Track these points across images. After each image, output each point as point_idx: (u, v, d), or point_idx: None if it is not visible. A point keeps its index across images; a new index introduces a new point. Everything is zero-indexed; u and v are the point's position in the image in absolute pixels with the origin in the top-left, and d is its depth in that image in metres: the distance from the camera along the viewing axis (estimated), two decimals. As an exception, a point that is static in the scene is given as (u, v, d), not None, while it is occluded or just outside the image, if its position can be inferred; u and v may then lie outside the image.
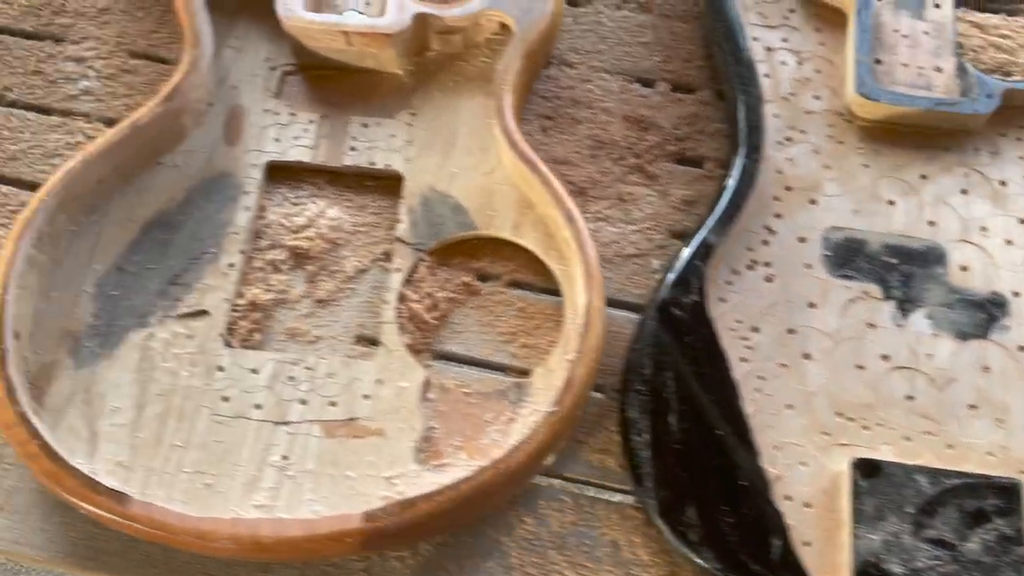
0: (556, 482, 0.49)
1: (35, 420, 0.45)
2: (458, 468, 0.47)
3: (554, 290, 0.53)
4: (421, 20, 0.55)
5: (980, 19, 0.58)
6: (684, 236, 0.55)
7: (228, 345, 0.50)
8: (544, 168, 0.51)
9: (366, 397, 0.49)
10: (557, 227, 0.51)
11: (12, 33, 0.61)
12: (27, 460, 0.45)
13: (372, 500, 0.46)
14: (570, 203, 0.50)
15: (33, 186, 0.56)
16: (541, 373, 0.49)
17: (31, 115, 0.58)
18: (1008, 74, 0.56)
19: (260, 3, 0.60)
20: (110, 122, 0.58)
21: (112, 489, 0.44)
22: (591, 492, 0.48)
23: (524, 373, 0.50)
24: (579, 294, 0.48)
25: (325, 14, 0.56)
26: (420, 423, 0.48)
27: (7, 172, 0.56)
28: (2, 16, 0.61)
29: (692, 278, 0.49)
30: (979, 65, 0.55)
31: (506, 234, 0.53)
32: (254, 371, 0.49)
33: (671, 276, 0.50)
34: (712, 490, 0.45)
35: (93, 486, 0.44)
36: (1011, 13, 0.58)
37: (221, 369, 0.49)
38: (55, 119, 0.58)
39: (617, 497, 0.48)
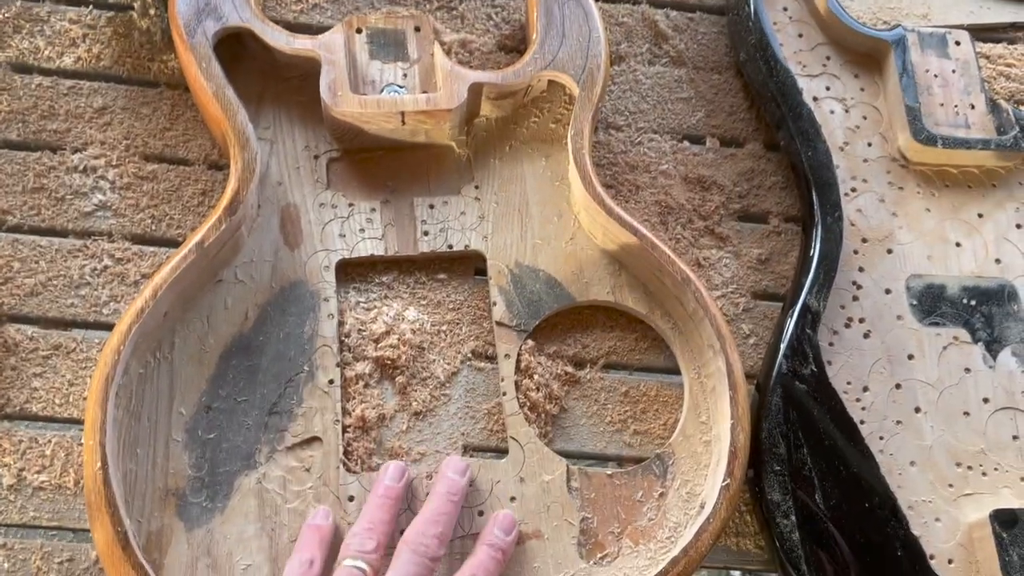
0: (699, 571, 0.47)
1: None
2: (626, 557, 0.46)
3: (652, 368, 0.52)
4: (477, 88, 0.53)
5: (985, 49, 0.61)
6: (766, 296, 0.55)
7: (350, 471, 0.46)
8: (647, 232, 0.50)
9: (512, 499, 0.47)
10: (665, 288, 0.51)
11: (-5, 145, 0.51)
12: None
13: (550, 608, 0.44)
14: (682, 264, 0.50)
15: (62, 324, 0.48)
16: (680, 441, 0.49)
17: (43, 241, 0.50)
18: (1020, 103, 0.60)
19: (284, 87, 0.55)
20: (139, 239, 0.51)
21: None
22: (732, 580, 0.49)
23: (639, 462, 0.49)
24: (717, 358, 0.48)
25: (378, 96, 0.52)
26: (575, 516, 0.47)
27: (29, 311, 0.48)
28: (-22, 125, 0.51)
29: (806, 347, 0.49)
30: (994, 95, 0.58)
31: (606, 300, 0.52)
32: (389, 495, 0.46)
33: (784, 348, 0.49)
34: (872, 566, 0.46)
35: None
36: (1011, 42, 0.62)
37: (352, 499, 0.46)
38: (72, 242, 0.50)
39: (761, 580, 0.48)
